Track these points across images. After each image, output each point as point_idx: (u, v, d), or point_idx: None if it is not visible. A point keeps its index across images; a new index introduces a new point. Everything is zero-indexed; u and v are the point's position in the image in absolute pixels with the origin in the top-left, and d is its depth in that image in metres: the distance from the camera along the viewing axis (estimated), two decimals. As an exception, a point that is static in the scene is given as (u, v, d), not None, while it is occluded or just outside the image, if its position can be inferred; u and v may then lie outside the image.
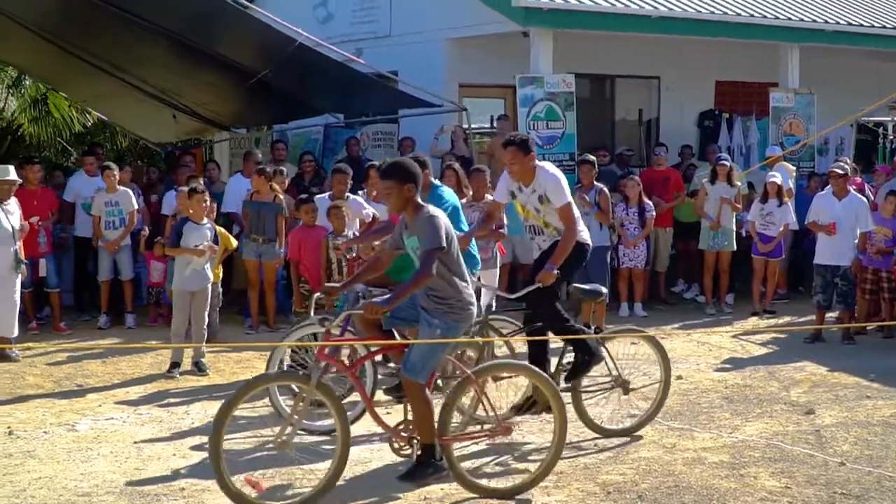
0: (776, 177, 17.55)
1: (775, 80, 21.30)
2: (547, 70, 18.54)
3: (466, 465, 8.79)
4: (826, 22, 21.15)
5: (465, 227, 11.07)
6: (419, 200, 8.45)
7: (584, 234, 10.50)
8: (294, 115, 20.00)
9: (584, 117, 19.37)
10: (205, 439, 9.48)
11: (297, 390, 8.77)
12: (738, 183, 17.86)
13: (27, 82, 24.52)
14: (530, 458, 9.54)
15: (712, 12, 19.98)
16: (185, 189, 14.49)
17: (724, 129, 22.13)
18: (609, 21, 19.21)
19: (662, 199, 18.16)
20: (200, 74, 18.00)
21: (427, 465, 8.47)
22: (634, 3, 19.27)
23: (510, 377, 9.56)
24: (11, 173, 14.27)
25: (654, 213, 17.07)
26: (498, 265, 13.98)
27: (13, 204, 14.22)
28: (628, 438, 10.30)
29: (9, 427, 10.58)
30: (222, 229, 14.48)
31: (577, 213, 10.35)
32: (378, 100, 18.91)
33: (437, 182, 10.97)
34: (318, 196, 14.45)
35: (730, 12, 20.16)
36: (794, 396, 12.13)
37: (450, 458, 8.47)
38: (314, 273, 13.25)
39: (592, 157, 16.38)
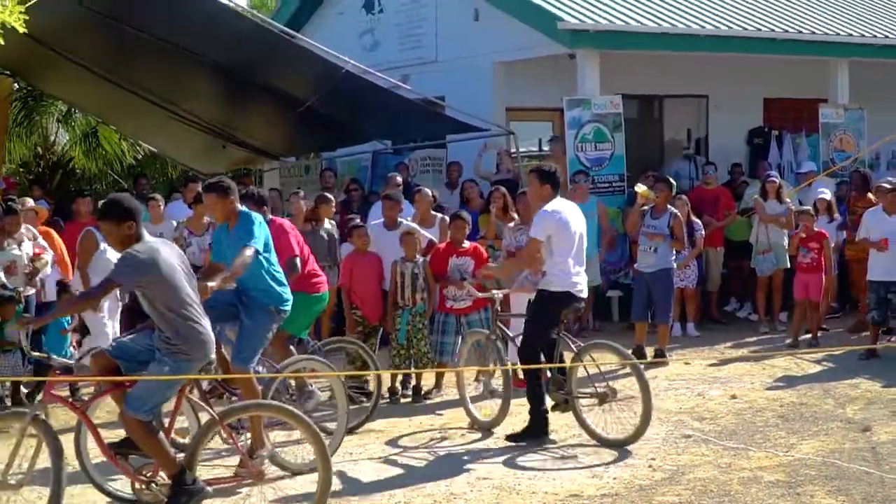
0: (825, 193, 17.44)
1: (825, 95, 21.19)
2: (594, 92, 18.55)
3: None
4: (875, 36, 21.10)
5: (273, 255, 10.32)
6: (143, 233, 8.26)
7: (559, 281, 10.93)
8: (342, 142, 20.02)
9: (632, 138, 19.32)
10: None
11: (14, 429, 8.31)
12: (788, 200, 17.71)
13: (77, 116, 24.73)
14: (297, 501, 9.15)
15: (759, 29, 19.93)
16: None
17: (774, 147, 22.04)
18: (656, 41, 19.22)
19: (713, 218, 18.06)
20: (248, 105, 18.10)
21: (180, 494, 8.13)
22: (681, 23, 19.26)
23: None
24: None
25: (704, 233, 16.95)
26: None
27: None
28: (683, 461, 10.24)
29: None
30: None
31: (549, 253, 10.90)
32: (426, 125, 18.89)
33: (245, 209, 10.31)
34: (372, 223, 14.44)
35: (777, 29, 20.09)
36: (849, 413, 12.02)
37: None
38: (366, 299, 13.28)
39: (670, 179, 16.25)
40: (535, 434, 10.96)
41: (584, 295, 11.24)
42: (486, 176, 18.83)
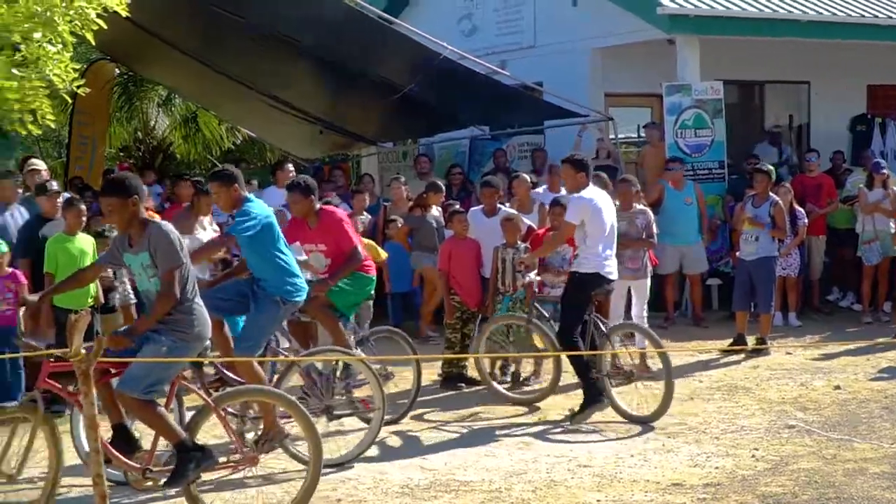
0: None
1: (929, 81, 20.85)
2: (694, 77, 18.35)
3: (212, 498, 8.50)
4: (983, 20, 20.64)
5: (283, 245, 10.13)
6: (145, 215, 8.19)
7: (589, 263, 11.36)
8: (440, 128, 20.02)
9: (732, 124, 19.09)
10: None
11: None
12: (894, 188, 17.40)
13: (177, 101, 24.97)
14: (286, 488, 9.09)
15: (863, 15, 19.56)
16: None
17: (878, 134, 21.66)
18: (757, 26, 18.96)
19: (815, 206, 17.78)
20: (346, 90, 18.15)
21: (186, 460, 8.05)
22: (782, 8, 18.98)
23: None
24: None
25: (807, 221, 16.69)
26: (649, 275, 13.82)
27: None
28: (786, 452, 10.08)
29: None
30: (370, 241, 14.51)
31: (582, 238, 11.36)
32: (523, 111, 18.86)
33: (250, 195, 10.15)
34: (472, 209, 14.38)
35: (881, 14, 19.72)
36: (957, 405, 11.82)
37: (191, 494, 8.18)
38: (465, 284, 13.21)
39: (769, 167, 16.01)
40: (592, 402, 11.31)
41: (614, 277, 11.62)
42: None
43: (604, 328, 11.63)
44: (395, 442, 10.69)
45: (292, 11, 15.65)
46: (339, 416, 10.43)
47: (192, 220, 13.29)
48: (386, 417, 10.96)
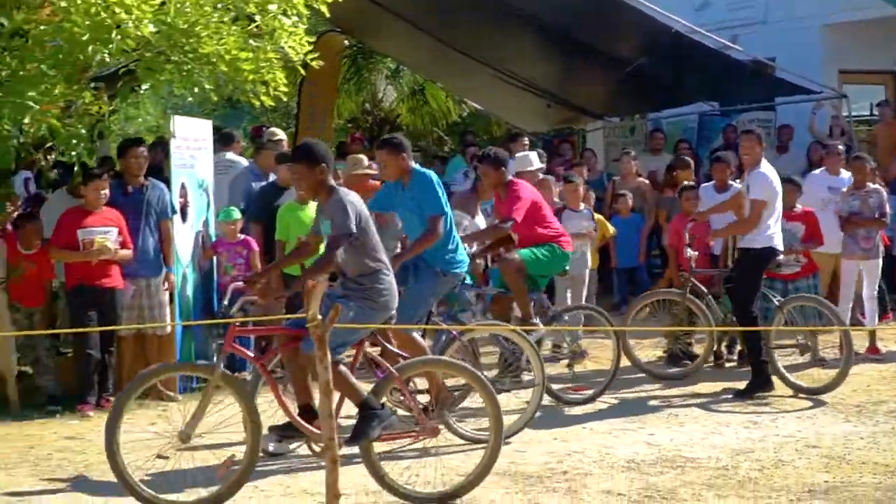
0: None
1: None
2: (930, 55, 17.97)
3: (392, 467, 8.37)
4: None
5: (448, 215, 9.77)
6: (332, 183, 8.17)
7: (762, 239, 11.53)
8: (668, 103, 19.91)
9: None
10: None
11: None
12: None
13: (405, 73, 25.29)
14: (464, 461, 8.97)
15: None
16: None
17: None
18: None
19: None
20: (574, 64, 18.18)
21: (369, 417, 8.04)
22: None
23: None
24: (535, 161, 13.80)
25: None
26: (881, 255, 13.56)
27: None
28: None
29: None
30: (599, 216, 14.59)
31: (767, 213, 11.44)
32: (754, 87, 18.61)
33: (417, 166, 9.86)
34: (703, 185, 14.27)
35: None
36: None
37: (372, 461, 8.09)
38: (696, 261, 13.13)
39: None
40: (759, 386, 11.57)
41: (781, 248, 11.76)
42: (820, 137, 18.32)
43: (776, 301, 11.86)
44: (618, 417, 10.77)
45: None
46: (500, 391, 10.07)
47: (475, 201, 12.69)
48: (589, 393, 11.45)
